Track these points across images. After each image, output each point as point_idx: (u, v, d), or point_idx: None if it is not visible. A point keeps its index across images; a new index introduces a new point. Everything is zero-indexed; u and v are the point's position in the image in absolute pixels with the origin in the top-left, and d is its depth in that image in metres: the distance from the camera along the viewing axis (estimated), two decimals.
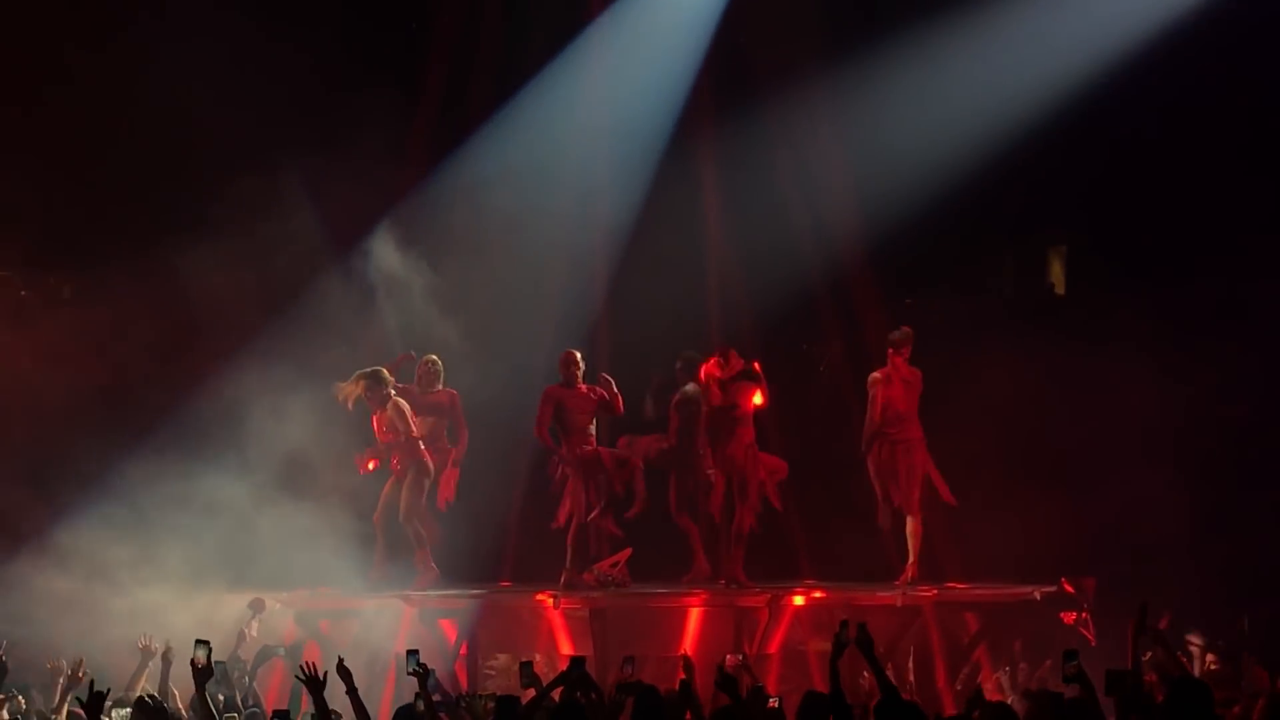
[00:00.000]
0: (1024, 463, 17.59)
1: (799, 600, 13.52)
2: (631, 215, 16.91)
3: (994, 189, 17.00)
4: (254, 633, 12.60)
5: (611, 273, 16.85)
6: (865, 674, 11.44)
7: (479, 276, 15.52)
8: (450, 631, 13.14)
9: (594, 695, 9.24)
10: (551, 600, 13.05)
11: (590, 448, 14.05)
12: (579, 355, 14.20)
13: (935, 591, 13.89)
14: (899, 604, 13.34)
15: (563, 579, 13.67)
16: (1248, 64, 16.79)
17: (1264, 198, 17.27)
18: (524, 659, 10.05)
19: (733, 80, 17.67)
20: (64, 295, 17.10)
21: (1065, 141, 16.99)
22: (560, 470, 14.11)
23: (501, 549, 15.64)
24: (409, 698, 9.04)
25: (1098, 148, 17.35)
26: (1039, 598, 14.06)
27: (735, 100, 17.65)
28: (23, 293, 16.81)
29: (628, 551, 14.13)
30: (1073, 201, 18.16)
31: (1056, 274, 19.93)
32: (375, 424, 14.17)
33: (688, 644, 12.26)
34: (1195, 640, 13.09)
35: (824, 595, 13.61)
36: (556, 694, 9.11)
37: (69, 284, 17.04)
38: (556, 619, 12.87)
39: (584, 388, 14.13)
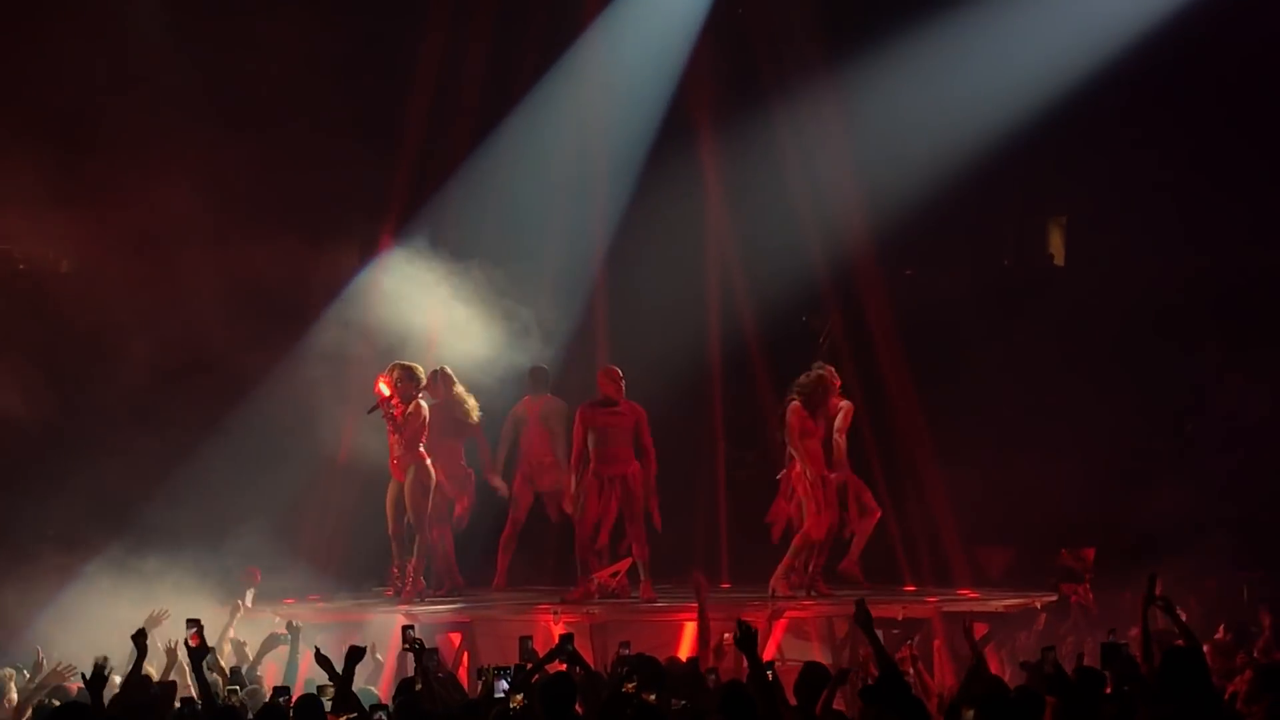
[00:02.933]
0: (1023, 433, 17.62)
1: (800, 612, 13.47)
2: (631, 192, 16.86)
3: (995, 164, 16.95)
4: (249, 603, 12.63)
5: (609, 254, 16.79)
6: (862, 650, 11.46)
7: (475, 273, 15.30)
8: (452, 643, 13.11)
9: (584, 670, 9.36)
10: (553, 614, 13.04)
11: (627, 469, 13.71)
12: (619, 371, 13.82)
13: (936, 600, 13.86)
14: (900, 617, 13.17)
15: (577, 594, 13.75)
16: (1241, 38, 16.80)
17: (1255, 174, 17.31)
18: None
19: (734, 56, 17.63)
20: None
21: (1066, 117, 16.93)
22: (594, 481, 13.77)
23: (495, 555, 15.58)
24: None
25: (1096, 121, 17.30)
26: (1039, 607, 14.03)
27: (736, 74, 17.63)
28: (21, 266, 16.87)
29: (627, 561, 14.03)
30: (1073, 174, 18.13)
31: (1056, 245, 19.94)
32: (390, 427, 13.68)
33: (686, 655, 12.23)
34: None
35: (826, 606, 13.55)
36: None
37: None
38: (557, 632, 12.78)
39: (625, 407, 13.74)
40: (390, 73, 16.91)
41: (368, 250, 16.51)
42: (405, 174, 16.78)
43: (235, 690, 9.54)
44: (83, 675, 8.75)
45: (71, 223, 15.67)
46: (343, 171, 16.12)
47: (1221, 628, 13.06)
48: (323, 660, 8.80)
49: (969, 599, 14.43)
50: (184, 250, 15.55)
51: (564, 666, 9.33)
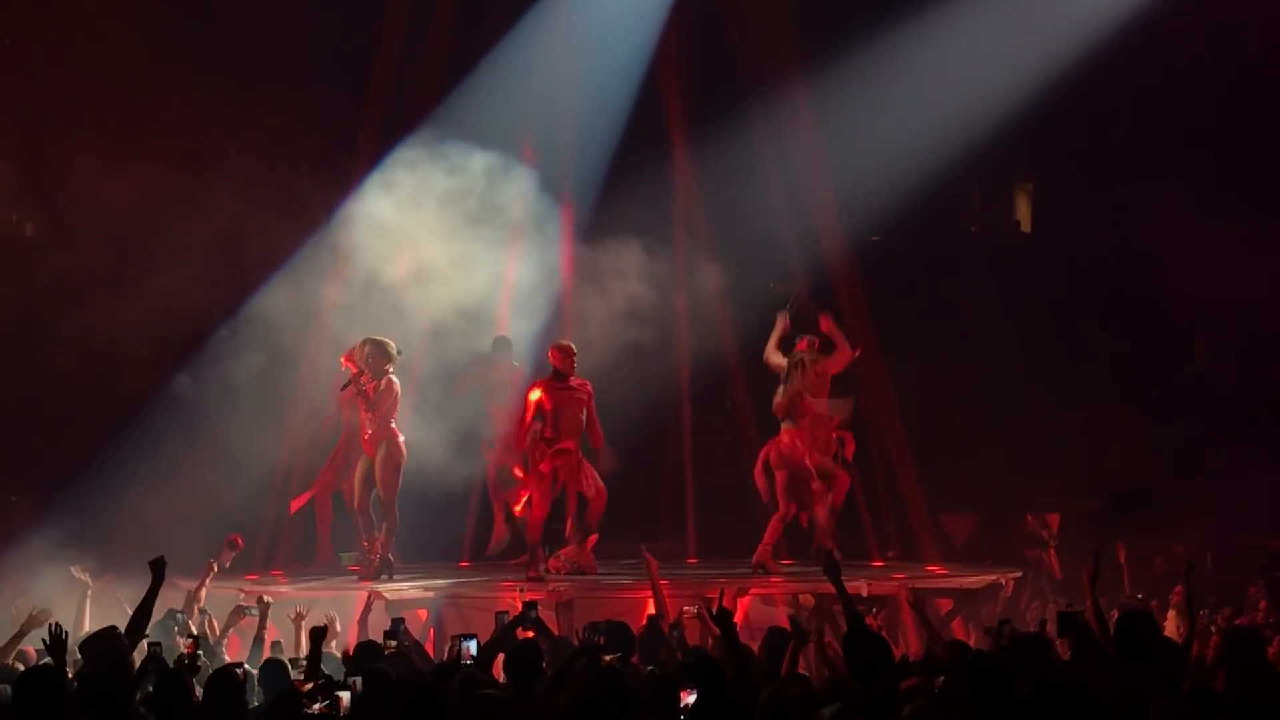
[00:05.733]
0: (988, 396, 17.68)
1: (763, 589, 13.47)
2: (601, 161, 16.78)
3: (962, 131, 16.96)
4: (227, 564, 12.58)
5: (576, 222, 16.70)
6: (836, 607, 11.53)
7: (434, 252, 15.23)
8: (419, 619, 13.09)
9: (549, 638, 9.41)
10: (519, 591, 13.01)
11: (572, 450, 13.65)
12: (574, 346, 13.81)
13: (903, 576, 13.88)
14: (865, 594, 13.00)
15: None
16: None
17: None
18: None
19: (703, 34, 17.56)
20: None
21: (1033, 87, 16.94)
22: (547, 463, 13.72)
23: (461, 530, 15.54)
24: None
25: (1065, 91, 17.30)
26: (1004, 583, 14.06)
27: (706, 50, 17.57)
28: None
29: (593, 538, 14.04)
30: (1040, 140, 18.15)
31: (1023, 211, 19.99)
32: (362, 403, 13.61)
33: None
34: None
35: (791, 584, 13.57)
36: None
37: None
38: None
39: (577, 382, 13.73)
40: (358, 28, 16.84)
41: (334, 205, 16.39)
42: (371, 132, 16.68)
43: (198, 655, 9.52)
44: (44, 640, 8.70)
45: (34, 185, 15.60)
46: (310, 127, 16.00)
47: (1181, 590, 13.13)
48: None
49: (937, 575, 14.48)
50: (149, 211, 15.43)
51: (531, 634, 9.36)
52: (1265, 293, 16.90)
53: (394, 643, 9.11)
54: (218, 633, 10.84)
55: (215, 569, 11.94)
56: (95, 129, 15.27)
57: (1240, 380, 17.53)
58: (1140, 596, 13.68)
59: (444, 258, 14.89)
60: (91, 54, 15.42)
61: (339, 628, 11.53)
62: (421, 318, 14.61)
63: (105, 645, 8.66)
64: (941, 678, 7.89)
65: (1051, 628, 10.68)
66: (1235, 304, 17.18)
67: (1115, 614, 10.50)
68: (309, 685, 8.14)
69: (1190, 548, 16.07)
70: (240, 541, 12.90)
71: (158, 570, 8.86)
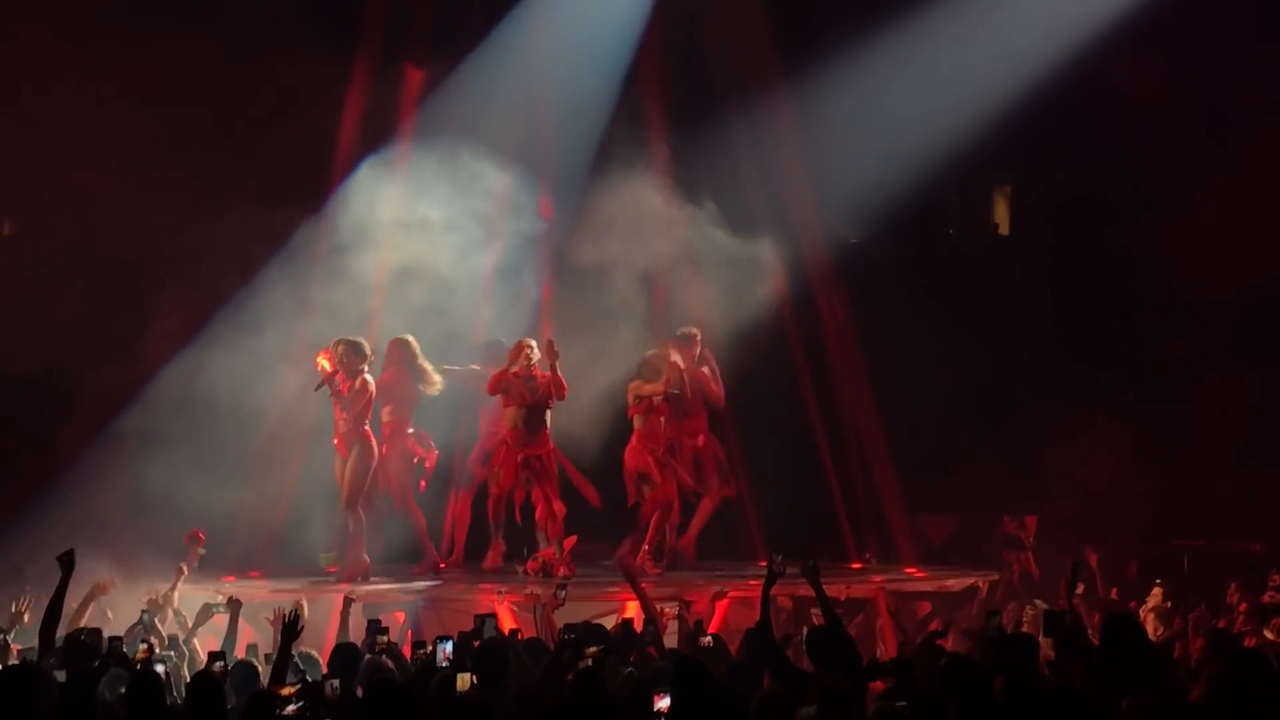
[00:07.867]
0: (966, 398, 17.68)
1: (745, 591, 13.44)
2: (580, 160, 16.75)
3: (941, 133, 16.98)
4: (195, 564, 12.52)
5: (554, 218, 16.65)
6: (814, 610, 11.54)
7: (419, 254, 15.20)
8: (397, 621, 13.03)
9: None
10: (497, 594, 12.96)
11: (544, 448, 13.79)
12: (533, 341, 13.87)
13: (881, 580, 13.86)
14: (844, 597, 12.96)
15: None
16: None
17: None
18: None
19: (683, 37, 17.54)
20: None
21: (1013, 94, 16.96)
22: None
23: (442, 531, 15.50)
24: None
25: (1044, 94, 17.33)
26: (980, 585, 14.05)
27: (685, 52, 17.54)
28: None
29: (572, 539, 13.99)
30: (1018, 142, 18.17)
31: (1001, 214, 20.01)
32: (336, 405, 13.58)
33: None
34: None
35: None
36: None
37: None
38: (502, 611, 12.71)
39: (538, 373, 13.76)
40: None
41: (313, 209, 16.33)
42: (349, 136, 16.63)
43: (169, 657, 9.47)
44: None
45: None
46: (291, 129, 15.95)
47: (1159, 592, 13.17)
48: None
49: (915, 578, 14.47)
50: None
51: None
52: (1244, 298, 16.96)
53: (385, 639, 9.13)
54: (187, 628, 10.78)
55: (185, 571, 11.87)
56: (71, 125, 15.19)
57: (1216, 382, 17.55)
58: (1115, 596, 13.70)
59: (422, 261, 14.86)
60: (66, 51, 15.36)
61: (305, 613, 11.49)
62: (400, 321, 14.55)
63: (81, 645, 8.68)
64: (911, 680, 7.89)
65: (1028, 629, 10.74)
66: (1213, 308, 17.22)
67: (1096, 617, 10.65)
68: (287, 689, 8.09)
69: (1164, 550, 16.16)
70: (201, 535, 12.83)
71: (65, 564, 8.82)
